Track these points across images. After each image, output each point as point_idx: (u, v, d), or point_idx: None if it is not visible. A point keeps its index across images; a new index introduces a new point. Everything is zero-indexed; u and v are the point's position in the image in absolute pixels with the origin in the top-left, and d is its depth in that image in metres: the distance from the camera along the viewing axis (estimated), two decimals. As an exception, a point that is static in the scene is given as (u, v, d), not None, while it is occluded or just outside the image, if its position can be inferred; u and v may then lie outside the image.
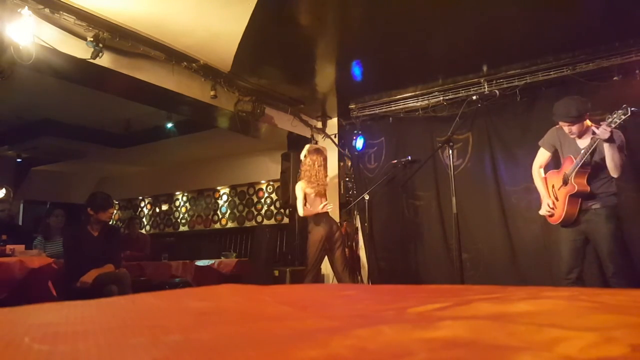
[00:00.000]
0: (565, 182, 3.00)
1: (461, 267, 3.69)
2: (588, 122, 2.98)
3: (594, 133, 2.85)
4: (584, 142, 2.96)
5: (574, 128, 2.93)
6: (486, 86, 4.58)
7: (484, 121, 4.71)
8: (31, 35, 3.02)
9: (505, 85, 4.49)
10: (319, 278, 4.17)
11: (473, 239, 4.54)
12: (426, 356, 0.48)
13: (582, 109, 2.89)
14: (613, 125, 2.70)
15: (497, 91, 4.53)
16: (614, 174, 2.88)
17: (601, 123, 2.77)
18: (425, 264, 4.86)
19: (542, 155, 3.26)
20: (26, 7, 2.99)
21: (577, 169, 2.92)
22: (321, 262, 4.14)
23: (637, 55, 3.93)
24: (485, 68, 4.53)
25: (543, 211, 3.19)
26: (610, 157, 2.80)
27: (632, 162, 3.85)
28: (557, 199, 3.08)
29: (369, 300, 1.16)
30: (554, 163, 3.31)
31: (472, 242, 4.53)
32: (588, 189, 2.91)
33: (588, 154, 2.89)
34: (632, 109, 2.64)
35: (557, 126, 3.12)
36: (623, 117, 2.65)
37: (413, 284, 1.52)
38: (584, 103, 2.93)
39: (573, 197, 2.95)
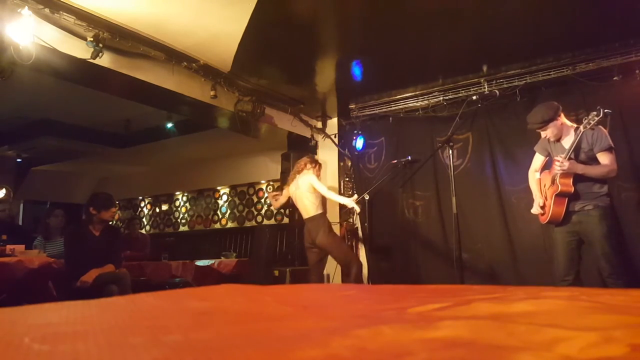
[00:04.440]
0: (552, 181, 3.03)
1: (461, 267, 3.70)
2: (567, 123, 3.02)
3: (576, 130, 2.95)
4: (568, 142, 3.00)
5: (548, 132, 3.03)
6: (486, 86, 4.58)
7: (484, 121, 4.71)
8: (31, 35, 3.02)
9: (505, 85, 4.49)
10: (317, 279, 4.16)
11: (473, 239, 4.54)
12: (426, 356, 0.47)
13: (547, 115, 3.00)
14: (588, 127, 2.87)
15: (497, 91, 4.53)
16: (609, 177, 2.94)
17: (584, 120, 2.91)
18: (425, 264, 4.86)
19: (537, 160, 3.31)
20: (26, 7, 2.99)
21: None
22: (314, 263, 4.13)
23: (637, 55, 3.93)
24: (485, 68, 4.53)
25: (534, 210, 3.24)
26: (591, 176, 2.91)
27: (632, 162, 3.86)
28: (546, 198, 3.11)
29: (369, 300, 1.16)
30: (549, 166, 3.33)
31: (472, 242, 4.53)
32: (572, 189, 2.93)
33: (570, 153, 2.92)
34: (606, 110, 2.81)
35: None
36: (597, 119, 2.83)
37: (413, 284, 1.52)
38: (550, 108, 3.04)
39: (558, 196, 2.98)
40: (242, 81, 4.60)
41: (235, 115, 4.75)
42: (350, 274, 3.98)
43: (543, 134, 3.06)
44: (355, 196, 4.25)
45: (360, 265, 4.07)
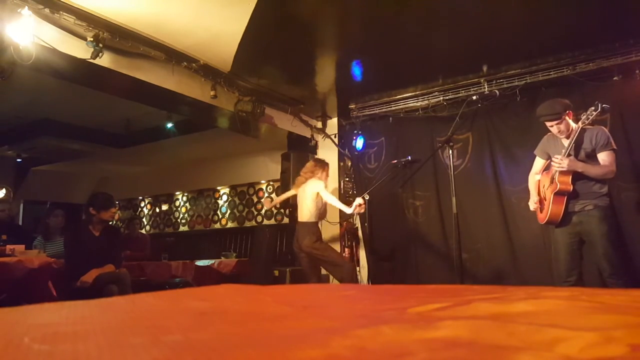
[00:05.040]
0: (551, 180, 3.03)
1: (461, 267, 3.69)
2: (573, 124, 3.01)
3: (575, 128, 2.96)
4: (568, 141, 3.00)
5: (562, 126, 2.98)
6: (486, 86, 4.58)
7: (484, 121, 4.71)
8: (31, 35, 3.02)
9: (505, 85, 4.49)
10: (316, 280, 4.17)
11: (473, 239, 4.54)
12: (426, 356, 0.47)
13: (565, 105, 2.98)
14: (587, 122, 2.87)
15: (497, 91, 4.53)
16: (606, 178, 2.94)
17: (581, 116, 2.91)
18: (425, 264, 4.86)
19: (538, 163, 3.31)
20: (26, 7, 2.99)
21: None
22: (306, 265, 4.15)
23: (637, 55, 3.93)
24: (485, 68, 4.53)
25: (530, 206, 3.24)
26: (590, 175, 2.91)
27: (632, 162, 3.86)
28: (545, 198, 3.10)
29: (369, 300, 1.16)
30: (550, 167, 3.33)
31: (472, 242, 4.53)
32: (570, 187, 2.92)
33: (569, 149, 2.92)
34: (604, 105, 2.80)
35: (548, 133, 3.18)
36: (594, 114, 2.83)
37: (413, 284, 1.52)
38: (563, 101, 3.03)
39: (557, 195, 2.98)
40: (242, 81, 4.60)
41: (235, 115, 4.75)
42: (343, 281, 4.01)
43: (556, 128, 3.00)
44: (358, 199, 4.20)
45: (351, 272, 4.05)
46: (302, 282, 4.38)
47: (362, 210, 4.18)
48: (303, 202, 4.12)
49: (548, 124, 3.04)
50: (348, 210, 4.11)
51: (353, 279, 4.00)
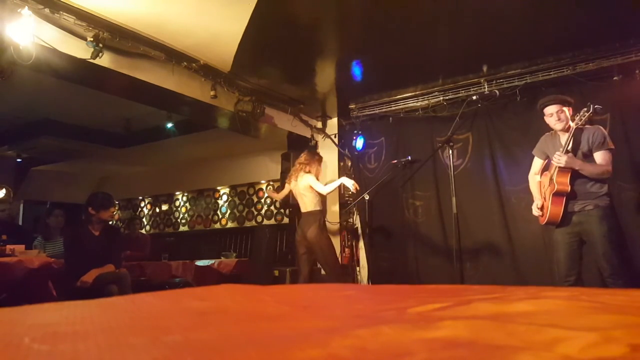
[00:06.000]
0: (550, 181, 3.03)
1: (461, 267, 3.70)
2: (570, 122, 3.02)
3: (569, 128, 2.99)
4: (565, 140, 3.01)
5: (563, 115, 3.00)
6: (486, 86, 4.58)
7: (484, 121, 4.71)
8: (31, 35, 3.01)
9: (505, 85, 4.49)
10: (306, 271, 4.19)
11: (473, 239, 4.54)
12: (426, 356, 0.47)
13: (567, 98, 3.05)
14: (580, 123, 2.91)
15: (497, 91, 4.52)
16: (602, 178, 2.94)
17: (575, 116, 2.96)
18: (425, 264, 4.86)
19: (536, 163, 3.31)
20: (26, 7, 2.99)
21: (558, 167, 2.96)
22: (304, 264, 4.17)
23: (637, 55, 3.93)
24: (485, 68, 4.52)
25: (533, 211, 3.23)
26: (586, 173, 2.92)
27: (632, 162, 3.86)
28: (545, 199, 3.11)
29: (369, 300, 1.16)
30: (549, 167, 3.33)
31: (472, 242, 4.53)
32: (568, 188, 2.93)
33: (567, 146, 2.93)
34: (596, 106, 2.86)
35: (546, 133, 3.21)
36: (587, 114, 2.88)
37: (413, 284, 1.52)
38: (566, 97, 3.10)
39: (555, 196, 2.98)
40: (242, 81, 4.60)
41: (235, 115, 4.75)
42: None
43: (556, 116, 3.02)
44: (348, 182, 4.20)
45: (341, 278, 4.11)
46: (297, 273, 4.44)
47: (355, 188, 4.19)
48: (302, 195, 4.18)
49: (549, 109, 3.04)
50: (346, 181, 4.14)
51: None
